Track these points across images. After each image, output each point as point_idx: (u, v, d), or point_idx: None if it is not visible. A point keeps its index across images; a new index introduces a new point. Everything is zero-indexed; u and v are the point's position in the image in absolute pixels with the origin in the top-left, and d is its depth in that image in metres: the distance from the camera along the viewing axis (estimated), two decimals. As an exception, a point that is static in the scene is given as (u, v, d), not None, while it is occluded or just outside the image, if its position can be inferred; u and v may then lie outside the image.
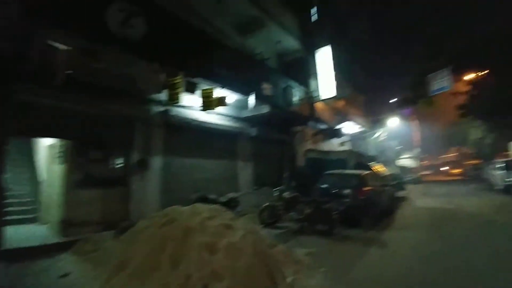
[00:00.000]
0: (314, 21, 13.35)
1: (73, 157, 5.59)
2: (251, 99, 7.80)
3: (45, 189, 6.55)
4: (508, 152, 19.98)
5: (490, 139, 25.25)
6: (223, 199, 6.67)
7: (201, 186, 7.53)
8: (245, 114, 9.33)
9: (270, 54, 11.42)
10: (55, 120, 5.33)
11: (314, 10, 13.37)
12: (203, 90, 7.02)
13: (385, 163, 15.56)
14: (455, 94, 14.30)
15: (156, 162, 6.80)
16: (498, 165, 13.55)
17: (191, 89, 6.65)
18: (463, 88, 14.84)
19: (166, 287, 2.94)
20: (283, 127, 11.29)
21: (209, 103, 6.93)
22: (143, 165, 6.47)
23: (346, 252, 5.02)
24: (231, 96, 7.89)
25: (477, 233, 6.31)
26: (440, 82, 9.81)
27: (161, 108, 6.88)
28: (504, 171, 12.46)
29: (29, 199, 6.84)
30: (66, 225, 5.36)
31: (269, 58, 11.05)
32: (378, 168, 11.61)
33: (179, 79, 6.24)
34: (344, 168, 9.65)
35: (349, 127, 17.33)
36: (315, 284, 3.57)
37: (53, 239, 5.21)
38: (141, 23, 5.35)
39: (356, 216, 6.91)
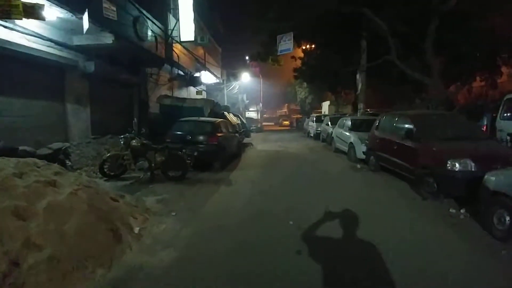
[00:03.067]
0: None
1: None
2: (85, 20, 5.95)
3: None
4: (320, 110, 26.82)
5: (310, 99, 32.87)
6: (44, 151, 5.11)
7: (7, 134, 5.43)
8: (79, 41, 7.14)
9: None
10: None
11: None
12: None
13: (236, 113, 17.02)
14: (293, 58, 16.93)
15: None
16: (313, 119, 17.91)
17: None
18: (299, 54, 17.84)
19: None
20: (133, 67, 9.65)
21: (8, 8, 4.63)
22: None
23: (197, 194, 5.21)
24: (52, 10, 5.69)
25: (296, 165, 8.36)
26: (285, 44, 11.25)
27: None
28: (316, 123, 16.62)
29: None
30: None
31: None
32: (230, 117, 12.51)
33: None
34: (200, 116, 9.70)
35: (206, 77, 17.30)
36: (164, 229, 3.47)
37: None
38: None
39: (208, 160, 7.29)
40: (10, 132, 5.57)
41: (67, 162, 5.85)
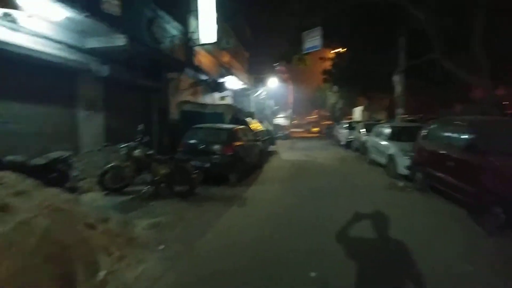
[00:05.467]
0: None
1: None
2: (88, 19, 5.53)
3: None
4: (351, 116, 25.04)
5: (340, 104, 31.05)
6: (38, 161, 4.63)
7: (6, 143, 5.09)
8: (91, 44, 6.83)
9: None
10: None
11: None
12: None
13: (262, 120, 16.19)
14: (322, 59, 15.77)
15: None
16: (344, 126, 16.43)
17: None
18: (329, 55, 16.62)
19: None
20: (152, 72, 9.27)
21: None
22: None
23: (200, 217, 4.37)
24: (58, 9, 5.34)
25: (324, 180, 7.29)
26: (312, 41, 10.26)
27: None
28: (347, 131, 15.18)
29: None
30: None
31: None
32: (254, 124, 11.70)
33: None
34: (221, 122, 9.00)
35: (231, 82, 16.76)
36: (140, 273, 2.64)
37: None
38: None
39: (223, 173, 6.48)
40: (8, 140, 5.22)
41: (71, 172, 5.37)
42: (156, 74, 9.65)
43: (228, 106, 12.40)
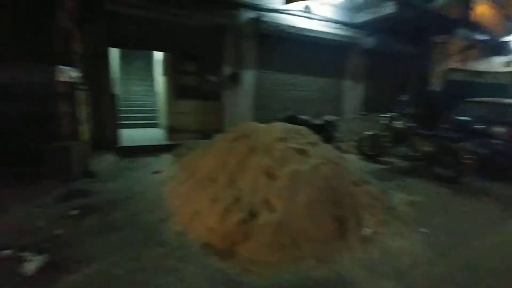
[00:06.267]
0: None
1: (170, 69, 5.86)
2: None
3: (159, 99, 7.52)
4: None
5: None
6: (316, 121, 5.82)
7: (295, 105, 6.85)
8: (360, 18, 7.18)
9: None
10: (143, 31, 5.41)
11: None
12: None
13: None
14: None
15: (248, 76, 6.39)
16: None
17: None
18: None
19: (216, 202, 2.74)
20: (414, 37, 8.30)
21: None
22: (234, 79, 6.21)
23: (472, 212, 3.50)
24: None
25: None
26: None
27: (252, 14, 6.02)
28: None
29: (151, 108, 8.15)
30: (171, 130, 6.06)
31: None
32: None
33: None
34: (504, 97, 6.53)
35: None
36: (401, 248, 2.56)
37: (160, 141, 6.05)
38: None
39: (506, 166, 4.73)
40: (300, 104, 7.01)
41: (334, 134, 6.32)
42: (418, 40, 8.50)
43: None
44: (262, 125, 4.09)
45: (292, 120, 5.44)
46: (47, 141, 3.75)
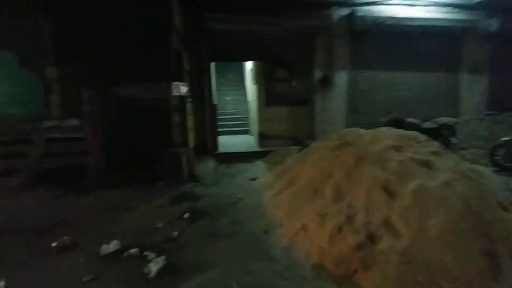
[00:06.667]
0: None
1: (260, 77, 5.97)
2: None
3: (251, 107, 7.79)
4: None
5: None
6: (429, 125, 4.89)
7: (398, 107, 5.98)
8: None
9: None
10: (237, 44, 5.65)
11: None
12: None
13: None
14: None
15: (341, 78, 5.93)
16: None
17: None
18: None
19: (325, 218, 2.50)
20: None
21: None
22: (325, 82, 5.87)
23: None
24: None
25: None
26: None
27: (346, 11, 5.58)
28: None
29: (243, 115, 8.54)
30: (262, 137, 6.16)
31: None
32: None
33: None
34: None
35: None
36: None
37: (253, 148, 6.21)
38: None
39: None
40: (404, 105, 6.12)
41: (452, 139, 5.24)
42: None
43: None
44: (366, 131, 3.66)
45: (398, 124, 4.72)
46: (163, 148, 4.25)
